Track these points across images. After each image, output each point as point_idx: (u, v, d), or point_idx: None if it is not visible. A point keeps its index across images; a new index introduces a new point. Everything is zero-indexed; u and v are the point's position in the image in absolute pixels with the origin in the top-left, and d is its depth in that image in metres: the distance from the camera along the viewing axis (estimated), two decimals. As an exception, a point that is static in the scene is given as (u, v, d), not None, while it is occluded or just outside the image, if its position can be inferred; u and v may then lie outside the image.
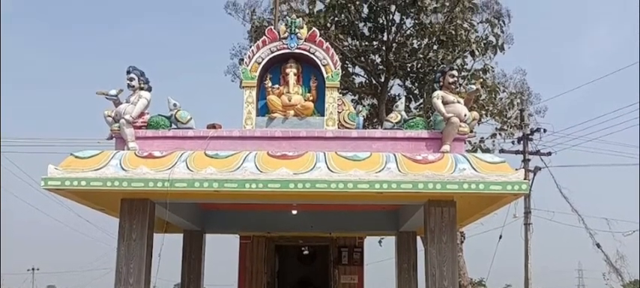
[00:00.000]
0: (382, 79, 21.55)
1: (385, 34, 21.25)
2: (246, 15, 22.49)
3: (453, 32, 20.17)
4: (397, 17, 21.00)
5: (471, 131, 8.44)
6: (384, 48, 21.17)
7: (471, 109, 8.45)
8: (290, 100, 8.50)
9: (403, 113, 8.65)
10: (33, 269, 63.25)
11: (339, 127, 8.50)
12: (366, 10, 21.04)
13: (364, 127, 9.03)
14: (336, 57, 8.67)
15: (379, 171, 7.49)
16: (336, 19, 20.95)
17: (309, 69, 8.72)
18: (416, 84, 21.60)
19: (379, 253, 21.12)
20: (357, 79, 22.36)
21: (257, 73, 8.55)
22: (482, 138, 21.74)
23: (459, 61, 20.46)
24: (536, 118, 25.59)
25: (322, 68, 8.55)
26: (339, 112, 8.59)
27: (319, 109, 8.62)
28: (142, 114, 8.34)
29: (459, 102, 8.31)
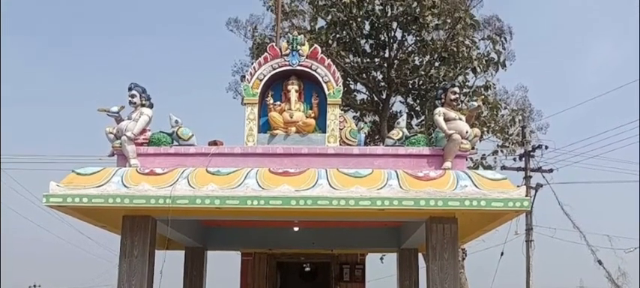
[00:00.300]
0: (384, 96, 21.59)
1: (387, 51, 21.30)
2: (248, 32, 22.55)
3: (455, 49, 20.22)
4: (399, 34, 21.08)
5: (473, 148, 8.45)
6: (385, 65, 21.22)
7: (472, 126, 8.45)
8: (292, 117, 8.51)
9: (405, 130, 8.65)
10: (34, 286, 62.98)
11: (340, 144, 8.50)
12: (367, 27, 21.11)
13: (366, 144, 9.03)
14: (338, 74, 8.68)
15: (381, 188, 7.48)
16: (338, 36, 21.01)
17: (310, 86, 8.74)
18: (417, 101, 21.64)
19: (381, 270, 21.06)
20: (359, 96, 22.40)
21: (259, 90, 8.57)
22: (484, 155, 21.75)
23: (460, 78, 20.50)
24: (537, 134, 25.56)
25: (324, 85, 8.57)
26: (340, 129, 8.59)
27: (321, 125, 8.62)
28: (143, 131, 8.35)
29: (460, 119, 8.32)
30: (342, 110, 8.97)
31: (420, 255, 11.72)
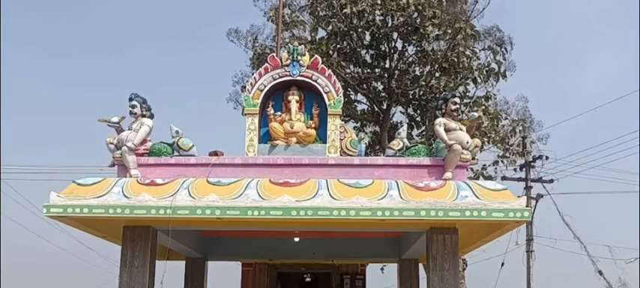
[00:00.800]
0: (384, 107, 21.56)
1: (387, 62, 21.28)
2: (248, 42, 22.49)
3: (455, 59, 20.19)
4: (399, 45, 21.07)
5: (473, 158, 8.45)
6: (386, 75, 21.19)
7: (473, 137, 8.46)
8: (292, 128, 8.51)
9: (405, 140, 8.65)
10: (34, 296, 62.95)
11: (341, 155, 8.51)
12: (368, 37, 21.10)
13: (366, 154, 9.04)
14: (338, 84, 8.70)
15: (381, 198, 7.48)
16: (338, 46, 20.99)
17: (311, 96, 8.75)
18: (418, 111, 21.62)
19: (381, 281, 21.05)
20: (360, 107, 22.36)
21: (259, 101, 8.58)
22: (485, 165, 21.68)
23: (461, 89, 20.46)
24: (538, 145, 25.49)
25: (324, 95, 8.58)
26: (341, 140, 8.59)
27: (321, 136, 8.63)
28: (144, 141, 8.35)
29: (461, 129, 8.32)
30: (342, 121, 8.98)
31: (420, 265, 11.70)
